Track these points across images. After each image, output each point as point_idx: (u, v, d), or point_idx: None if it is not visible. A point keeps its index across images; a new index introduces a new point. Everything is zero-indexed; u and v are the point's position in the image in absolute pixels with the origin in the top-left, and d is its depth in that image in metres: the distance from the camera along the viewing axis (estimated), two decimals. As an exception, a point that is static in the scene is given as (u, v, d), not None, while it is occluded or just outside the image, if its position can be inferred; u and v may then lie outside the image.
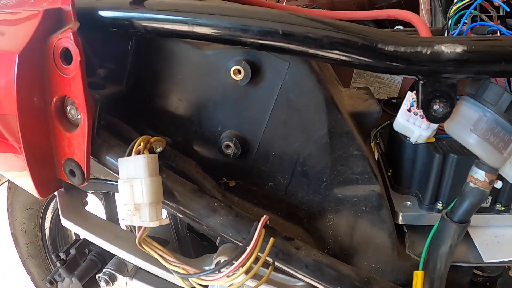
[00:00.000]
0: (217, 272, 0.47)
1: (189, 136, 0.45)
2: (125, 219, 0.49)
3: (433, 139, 0.58)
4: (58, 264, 0.71)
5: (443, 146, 0.57)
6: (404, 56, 0.45)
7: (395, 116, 0.60)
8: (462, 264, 0.58)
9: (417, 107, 0.49)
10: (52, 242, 0.96)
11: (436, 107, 0.49)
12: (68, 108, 0.52)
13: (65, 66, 0.50)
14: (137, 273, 0.67)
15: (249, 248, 0.45)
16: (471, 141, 0.49)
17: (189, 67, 0.52)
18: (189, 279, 0.48)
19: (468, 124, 0.49)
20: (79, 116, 0.51)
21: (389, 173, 0.62)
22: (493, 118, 0.48)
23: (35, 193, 0.54)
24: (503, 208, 0.59)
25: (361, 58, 0.45)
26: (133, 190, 0.48)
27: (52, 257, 0.76)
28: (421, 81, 0.48)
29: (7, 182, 0.88)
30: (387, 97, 0.73)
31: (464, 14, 0.61)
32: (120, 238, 0.58)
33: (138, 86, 0.55)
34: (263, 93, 0.51)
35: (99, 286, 0.71)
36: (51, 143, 0.54)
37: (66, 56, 0.50)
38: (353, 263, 0.57)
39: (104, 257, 0.73)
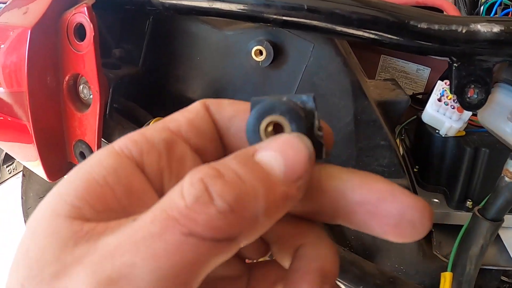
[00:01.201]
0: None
1: None
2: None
3: (463, 133, 0.54)
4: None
5: (474, 140, 0.53)
6: (437, 34, 0.41)
7: (422, 110, 0.56)
8: (491, 268, 0.53)
9: (451, 92, 0.45)
10: None
11: (470, 93, 0.45)
12: (81, 87, 0.49)
13: (78, 43, 0.47)
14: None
15: None
16: (508, 130, 0.45)
17: (208, 48, 0.49)
18: None
19: (505, 112, 0.45)
20: (91, 96, 0.48)
21: (415, 170, 0.57)
22: (532, 105, 0.44)
23: (44, 175, 0.51)
24: (539, 209, 0.54)
25: (392, 36, 0.41)
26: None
27: None
28: (454, 64, 0.44)
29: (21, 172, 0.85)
30: (413, 92, 0.69)
31: (495, 2, 0.57)
32: None
33: (154, 68, 0.51)
34: (285, 76, 0.48)
35: None
36: (62, 124, 0.51)
37: (80, 32, 0.47)
38: (376, 263, 0.52)
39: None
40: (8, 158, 0.83)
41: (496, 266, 0.53)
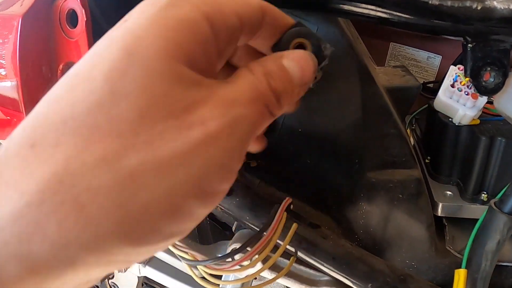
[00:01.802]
0: (229, 259, 0.41)
1: None
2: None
3: (478, 121, 0.50)
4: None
5: (489, 129, 0.49)
6: (450, 11, 0.38)
7: (433, 98, 0.53)
8: (507, 264, 0.49)
9: (465, 75, 0.42)
10: None
11: (487, 76, 0.42)
12: (75, 75, 0.46)
13: (71, 29, 0.45)
14: (151, 261, 0.61)
15: (267, 233, 0.38)
16: (528, 117, 0.41)
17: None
18: (197, 266, 0.41)
19: (524, 97, 0.41)
20: None
21: (426, 161, 0.54)
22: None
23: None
24: (559, 201, 0.50)
25: (401, 14, 0.38)
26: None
27: None
28: (469, 45, 0.41)
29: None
30: (424, 81, 0.66)
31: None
32: None
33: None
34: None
35: (112, 273, 0.66)
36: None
37: (73, 18, 0.45)
38: (386, 258, 0.49)
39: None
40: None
41: (513, 262, 0.49)
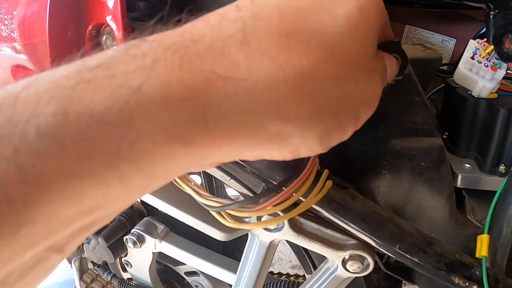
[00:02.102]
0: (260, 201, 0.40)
1: None
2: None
3: (495, 95, 0.51)
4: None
5: (507, 103, 0.50)
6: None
7: (450, 77, 0.54)
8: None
9: (488, 42, 0.43)
10: None
11: (508, 44, 0.43)
12: (104, 38, 0.47)
13: (102, -10, 0.45)
14: (167, 236, 0.60)
15: (301, 175, 0.38)
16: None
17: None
18: (226, 210, 0.40)
19: (545, 64, 0.42)
20: (114, 47, 0.45)
21: (444, 136, 0.55)
22: None
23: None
24: None
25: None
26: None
27: None
28: (491, 12, 0.42)
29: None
30: (438, 64, 0.67)
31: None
32: None
33: (178, 25, 0.49)
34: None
35: (126, 249, 0.64)
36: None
37: (104, -20, 0.45)
38: (406, 229, 0.49)
39: (134, 218, 0.66)
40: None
41: (532, 232, 0.50)
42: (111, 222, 0.68)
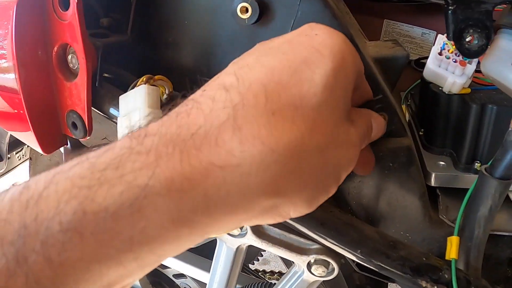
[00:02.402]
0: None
1: (199, 87, 0.39)
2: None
3: (469, 90, 0.49)
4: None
5: (480, 97, 0.48)
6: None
7: (427, 71, 0.52)
8: (503, 234, 0.48)
9: (448, 39, 0.41)
10: None
11: (469, 38, 0.41)
12: (69, 57, 0.48)
13: (63, 12, 0.45)
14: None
15: None
16: (514, 79, 0.40)
17: (195, 11, 0.47)
18: None
19: (509, 58, 0.40)
20: (79, 65, 0.46)
21: (420, 133, 0.53)
22: (539, 49, 0.39)
23: (38, 148, 0.50)
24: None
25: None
26: (130, 123, 0.42)
27: None
28: (450, 7, 0.40)
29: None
30: (418, 57, 0.64)
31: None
32: None
33: (144, 36, 0.49)
34: (273, 33, 0.44)
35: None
36: (54, 95, 0.49)
37: (65, 1, 0.45)
38: (380, 228, 0.48)
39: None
40: (17, 144, 0.82)
41: (508, 231, 0.48)
42: None
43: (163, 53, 0.49)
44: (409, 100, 0.60)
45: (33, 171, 0.79)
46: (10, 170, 0.82)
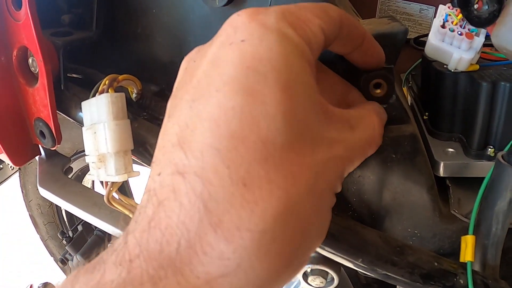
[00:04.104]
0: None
1: (173, 80, 0.31)
2: (92, 174, 0.36)
3: (477, 67, 0.40)
4: (64, 242, 0.59)
5: (491, 74, 0.39)
6: None
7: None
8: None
9: (453, 5, 0.32)
10: (69, 221, 0.84)
11: (478, 4, 0.32)
12: (30, 60, 0.40)
13: (16, 11, 0.38)
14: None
15: None
16: (533, 49, 0.31)
17: (163, -3, 0.38)
18: None
19: (527, 25, 0.31)
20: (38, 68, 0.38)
21: (424, 117, 0.44)
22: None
23: (8, 161, 0.43)
24: None
25: None
26: (97, 137, 0.35)
27: (58, 235, 0.65)
28: (454, -31, 0.31)
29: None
30: (417, 35, 0.55)
31: None
32: (97, 205, 0.44)
33: (110, 30, 0.41)
34: (249, 17, 0.36)
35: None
36: (20, 103, 0.42)
37: (18, 0, 0.38)
38: (385, 227, 0.40)
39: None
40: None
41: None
42: (89, 239, 0.63)
43: (133, 45, 0.41)
44: (410, 82, 0.50)
45: (23, 181, 0.72)
46: (4, 180, 0.75)
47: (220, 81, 0.21)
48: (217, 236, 0.20)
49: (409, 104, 0.49)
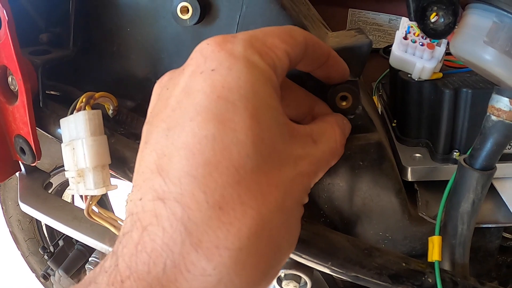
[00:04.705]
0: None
1: (148, 97, 0.31)
2: (71, 188, 0.37)
3: (441, 75, 0.41)
4: (45, 257, 0.59)
5: (454, 82, 0.40)
6: None
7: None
8: (489, 225, 0.40)
9: (410, 19, 0.33)
10: (50, 236, 0.83)
11: (434, 17, 0.32)
12: (10, 78, 0.40)
13: (-4, 31, 0.38)
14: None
15: None
16: (488, 57, 0.32)
17: (136, 16, 0.39)
18: None
19: (481, 35, 0.32)
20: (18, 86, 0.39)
21: (393, 124, 0.45)
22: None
23: (-10, 177, 0.43)
24: (540, 151, 0.40)
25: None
26: (75, 153, 0.35)
27: (39, 250, 0.64)
28: (409, -17, 0.32)
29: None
30: (387, 45, 0.56)
31: None
32: (78, 219, 0.44)
33: (87, 48, 0.42)
34: (220, 31, 0.37)
35: (89, 276, 0.59)
36: (0, 120, 0.42)
37: (-4, 20, 0.38)
38: (357, 232, 0.41)
39: (91, 246, 0.60)
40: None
41: (495, 223, 0.39)
42: (71, 253, 0.62)
43: (109, 64, 0.41)
44: (381, 91, 0.51)
45: (3, 197, 0.71)
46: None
47: (193, 110, 0.22)
48: (198, 255, 0.21)
49: (380, 111, 0.50)
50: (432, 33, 0.33)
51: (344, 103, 0.35)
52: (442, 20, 0.33)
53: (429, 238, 0.36)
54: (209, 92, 0.23)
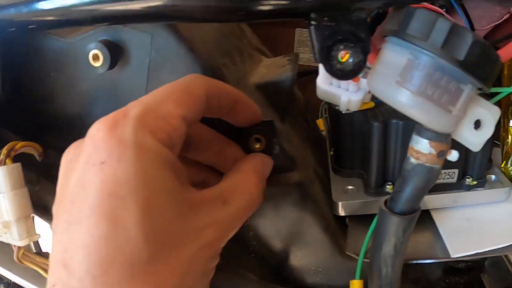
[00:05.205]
0: None
1: (77, 137, 0.28)
2: (1, 237, 0.34)
3: (373, 104, 0.35)
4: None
5: (383, 112, 0.35)
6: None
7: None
8: (426, 261, 0.34)
9: (315, 61, 0.27)
10: None
11: (341, 55, 0.27)
12: None
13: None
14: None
15: None
16: (402, 99, 0.27)
17: (57, 62, 0.35)
18: None
19: (394, 74, 0.27)
20: None
21: (331, 153, 0.40)
22: (428, 60, 0.25)
23: None
24: (475, 183, 0.35)
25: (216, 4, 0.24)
26: None
27: None
28: (312, 22, 0.27)
29: None
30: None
31: None
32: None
33: (17, 92, 0.38)
34: (133, 77, 0.33)
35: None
36: None
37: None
38: (291, 265, 0.37)
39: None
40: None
41: (431, 259, 0.34)
42: None
43: (40, 107, 0.38)
44: (326, 113, 0.46)
45: None
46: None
47: (88, 208, 0.21)
48: None
49: (324, 137, 0.45)
50: (340, 74, 0.28)
51: (257, 146, 0.31)
52: (352, 59, 0.27)
53: (351, 282, 0.32)
54: (100, 188, 0.21)
